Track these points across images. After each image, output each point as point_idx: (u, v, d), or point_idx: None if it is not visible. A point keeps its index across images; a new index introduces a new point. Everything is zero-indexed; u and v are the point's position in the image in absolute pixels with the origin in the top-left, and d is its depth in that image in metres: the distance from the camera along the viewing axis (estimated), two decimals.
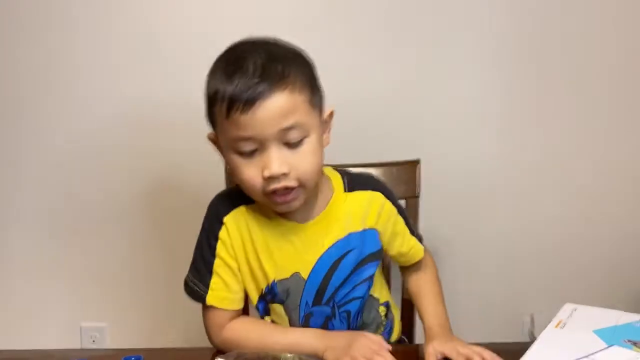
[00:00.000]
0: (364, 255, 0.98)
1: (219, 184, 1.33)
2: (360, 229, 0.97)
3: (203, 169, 1.58)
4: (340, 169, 1.02)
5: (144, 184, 1.61)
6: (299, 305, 0.97)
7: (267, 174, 0.84)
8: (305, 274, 0.95)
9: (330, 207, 0.96)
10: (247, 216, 0.95)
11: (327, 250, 0.95)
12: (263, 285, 0.96)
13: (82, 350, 1.50)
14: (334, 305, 0.99)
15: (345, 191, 0.98)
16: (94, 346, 1.65)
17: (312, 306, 0.98)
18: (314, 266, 0.95)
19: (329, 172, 1.00)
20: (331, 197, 0.97)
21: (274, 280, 0.95)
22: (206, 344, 0.98)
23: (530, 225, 1.64)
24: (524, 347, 0.87)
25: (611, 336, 0.75)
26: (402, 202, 1.16)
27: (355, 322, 1.03)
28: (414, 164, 1.33)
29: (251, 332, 0.94)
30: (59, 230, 1.63)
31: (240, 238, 0.94)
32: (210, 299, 0.94)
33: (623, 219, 1.65)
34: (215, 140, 0.92)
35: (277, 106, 0.82)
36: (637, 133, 1.61)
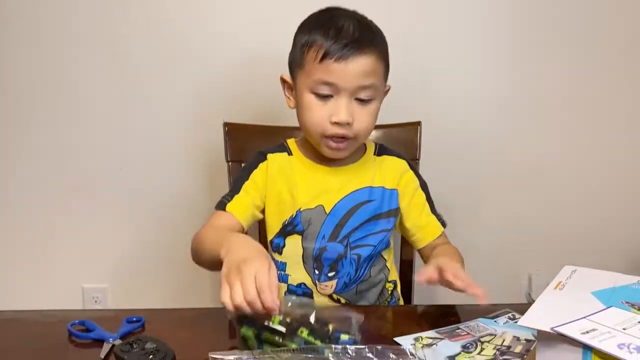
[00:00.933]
0: (382, 210, 1.09)
1: (219, 146, 1.32)
2: (379, 185, 1.09)
3: (205, 135, 1.58)
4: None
5: (143, 148, 1.60)
6: (316, 238, 1.07)
7: (334, 119, 0.99)
8: (328, 208, 1.07)
9: (360, 163, 1.11)
10: (288, 160, 1.10)
11: (350, 194, 1.08)
12: (288, 215, 1.07)
13: (84, 310, 1.52)
14: (347, 245, 1.07)
15: (374, 155, 1.13)
16: (96, 307, 1.68)
17: (327, 241, 1.07)
18: (337, 203, 1.07)
19: (367, 141, 1.14)
20: (362, 156, 1.11)
21: (299, 209, 1.06)
22: (206, 304, 0.98)
23: (529, 188, 1.65)
24: (520, 308, 0.88)
25: (609, 298, 0.76)
26: None
27: (363, 271, 1.09)
28: (415, 126, 1.32)
29: (210, 233, 0.98)
30: (61, 192, 1.62)
31: (279, 173, 1.08)
32: (230, 206, 1.04)
33: (622, 183, 1.65)
34: (287, 82, 1.07)
35: (364, 65, 0.98)
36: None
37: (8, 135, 1.60)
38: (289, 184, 1.08)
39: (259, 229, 1.23)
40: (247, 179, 1.08)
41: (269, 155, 1.10)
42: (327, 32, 0.98)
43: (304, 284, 1.08)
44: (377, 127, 1.23)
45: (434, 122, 1.42)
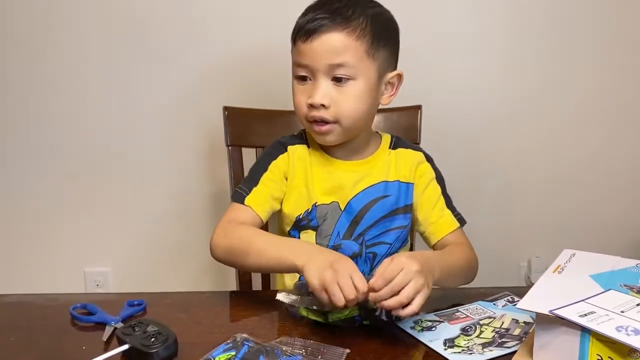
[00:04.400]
0: (399, 205, 1.05)
1: (218, 130, 1.32)
2: (395, 179, 1.05)
3: (204, 119, 1.57)
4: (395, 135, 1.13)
5: (143, 133, 1.60)
6: (331, 234, 1.03)
7: (309, 101, 0.96)
8: (342, 204, 1.04)
9: (374, 157, 1.06)
10: (307, 152, 1.07)
11: (365, 189, 1.04)
12: (303, 209, 1.04)
13: (86, 294, 1.53)
14: (362, 243, 1.04)
15: (389, 148, 1.08)
16: (98, 290, 1.69)
17: (342, 238, 1.04)
18: (351, 199, 1.03)
19: (383, 134, 1.11)
20: (377, 149, 1.08)
21: (315, 204, 1.03)
22: (207, 288, 0.99)
23: (529, 172, 1.65)
24: (520, 291, 0.89)
25: (608, 281, 0.76)
26: None
27: None
28: (415, 110, 1.32)
29: (250, 233, 0.96)
30: (62, 178, 1.63)
31: (298, 165, 1.05)
32: (249, 200, 1.01)
33: (622, 167, 1.64)
34: None
35: (331, 42, 0.93)
36: None
37: (9, 124, 1.60)
38: (306, 177, 1.05)
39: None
40: (266, 170, 1.04)
41: (290, 148, 1.06)
42: (307, 11, 0.96)
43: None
44: (377, 110, 1.23)
45: (434, 106, 1.41)
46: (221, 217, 1.01)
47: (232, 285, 1.33)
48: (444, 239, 1.04)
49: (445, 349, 0.79)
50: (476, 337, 0.82)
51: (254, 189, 1.02)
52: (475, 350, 0.78)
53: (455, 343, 0.80)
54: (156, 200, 1.64)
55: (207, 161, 1.61)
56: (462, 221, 1.07)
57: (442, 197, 1.07)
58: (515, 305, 0.90)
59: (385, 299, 0.76)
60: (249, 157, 1.31)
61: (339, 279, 0.77)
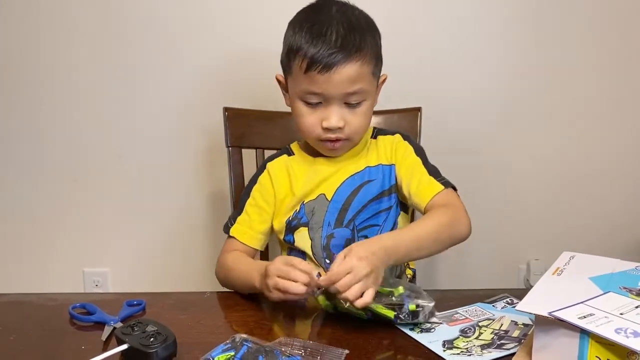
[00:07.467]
0: (384, 187, 1.09)
1: (219, 131, 1.32)
2: (375, 163, 1.09)
3: (205, 120, 1.57)
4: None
5: (143, 135, 1.60)
6: (322, 226, 1.07)
7: (325, 125, 1.01)
8: (329, 195, 1.08)
9: (357, 148, 1.10)
10: (288, 161, 1.12)
11: (350, 177, 1.08)
12: (292, 212, 1.08)
13: (85, 294, 1.53)
14: (354, 228, 1.07)
15: (370, 138, 1.13)
16: (97, 290, 1.69)
17: (333, 227, 1.07)
18: (337, 189, 1.08)
19: None
20: (359, 142, 1.11)
21: (302, 202, 1.08)
22: (207, 288, 0.99)
23: (528, 175, 1.65)
24: (519, 293, 0.89)
25: (607, 283, 0.76)
26: None
27: None
28: (415, 112, 1.32)
29: (235, 260, 1.04)
30: (62, 179, 1.63)
31: (280, 177, 1.10)
32: (233, 231, 1.08)
33: (621, 170, 1.65)
34: (282, 82, 1.08)
35: (349, 74, 0.97)
36: None
37: (10, 127, 1.60)
38: (290, 184, 1.09)
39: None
40: (249, 196, 1.11)
41: (268, 165, 1.12)
42: (310, 39, 0.97)
43: (319, 274, 1.06)
44: (377, 112, 1.24)
45: (434, 109, 1.41)
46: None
47: None
48: (431, 204, 1.01)
49: (444, 351, 0.79)
50: (475, 338, 0.82)
51: (239, 218, 1.09)
52: (474, 351, 0.78)
53: (455, 344, 0.80)
54: (155, 201, 1.65)
55: (206, 162, 1.61)
56: (448, 184, 1.04)
57: (422, 166, 1.06)
58: (514, 307, 0.90)
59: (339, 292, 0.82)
60: (249, 158, 1.31)
61: (276, 285, 0.86)
